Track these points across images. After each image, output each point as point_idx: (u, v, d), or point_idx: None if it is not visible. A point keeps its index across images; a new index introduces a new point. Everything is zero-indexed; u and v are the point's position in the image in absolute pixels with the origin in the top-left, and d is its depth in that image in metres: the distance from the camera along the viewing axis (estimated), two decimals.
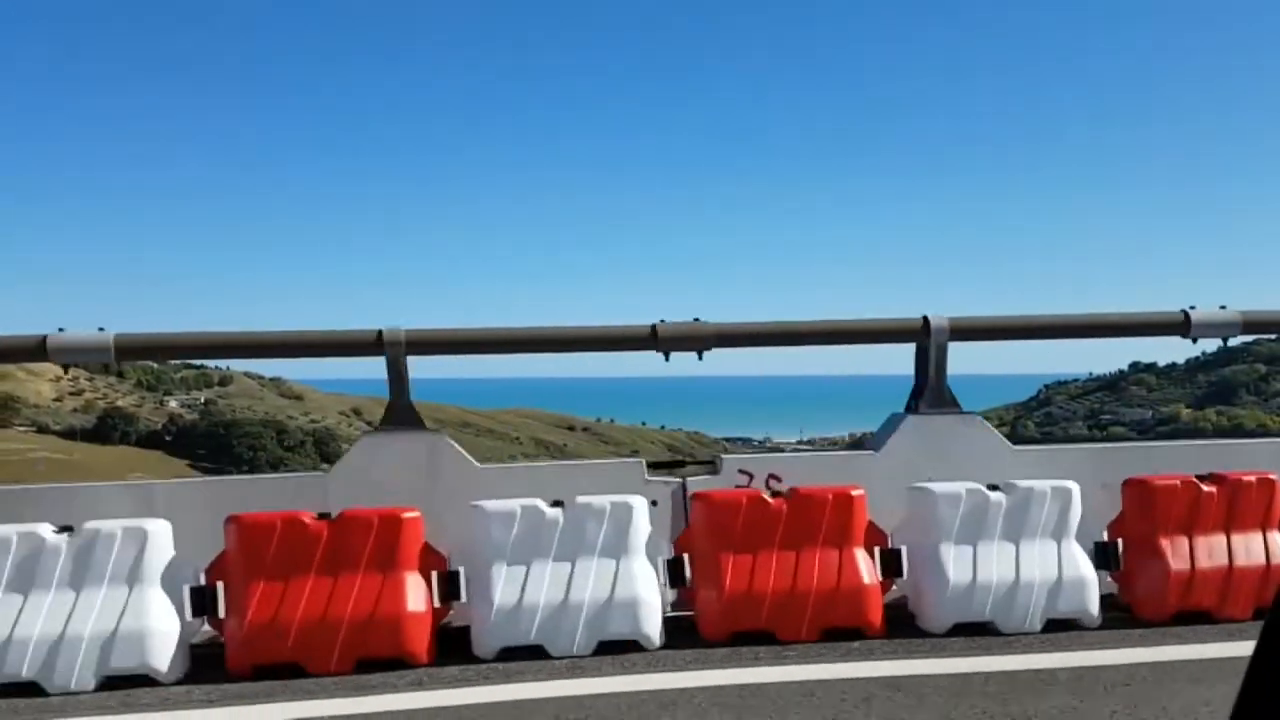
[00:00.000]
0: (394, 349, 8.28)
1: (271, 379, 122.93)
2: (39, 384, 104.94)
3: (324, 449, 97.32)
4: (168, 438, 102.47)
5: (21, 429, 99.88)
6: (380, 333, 8.29)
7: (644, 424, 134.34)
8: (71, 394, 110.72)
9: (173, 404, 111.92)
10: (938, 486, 7.82)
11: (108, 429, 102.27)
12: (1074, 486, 7.81)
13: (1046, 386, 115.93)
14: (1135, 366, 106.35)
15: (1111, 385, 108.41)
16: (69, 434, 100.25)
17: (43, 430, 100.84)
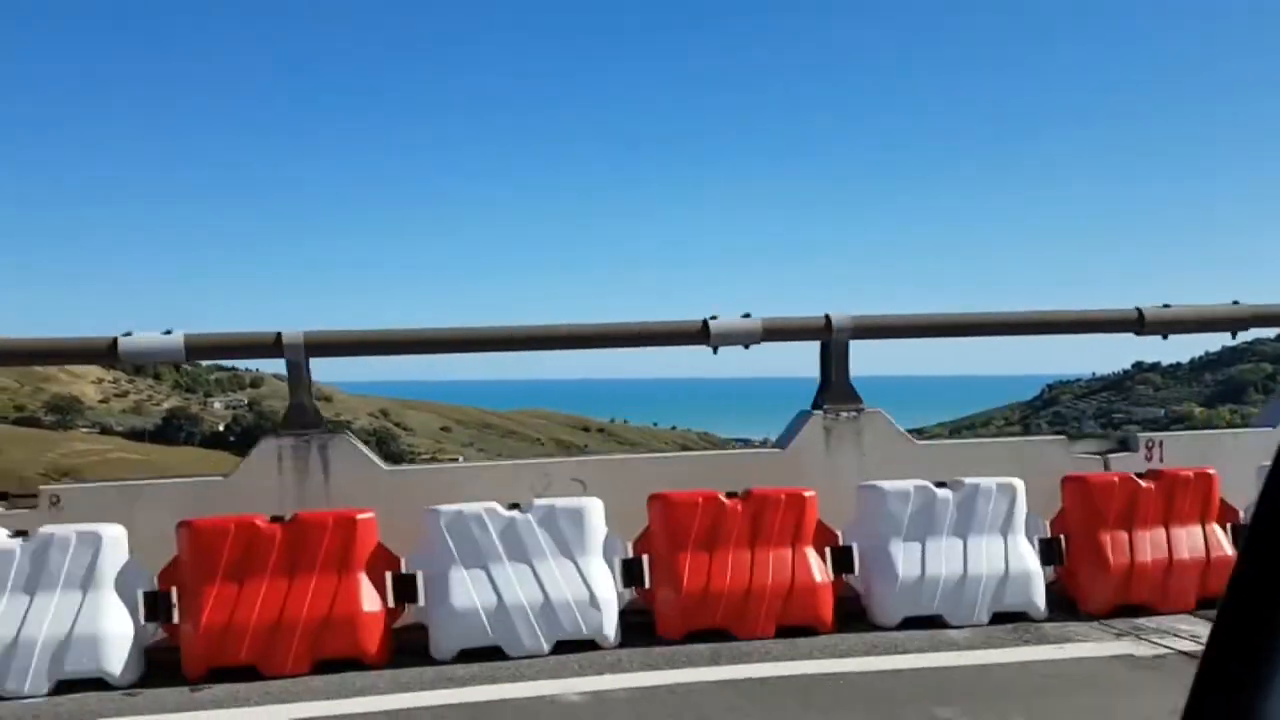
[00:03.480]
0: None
1: None
2: (83, 386, 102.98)
3: (385, 448, 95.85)
4: (231, 438, 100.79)
5: (85, 430, 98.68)
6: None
7: (655, 424, 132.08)
8: (116, 396, 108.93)
9: (217, 405, 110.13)
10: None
11: (173, 430, 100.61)
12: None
13: (1050, 386, 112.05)
14: (1139, 366, 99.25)
15: (1117, 385, 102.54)
16: (135, 435, 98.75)
17: (106, 431, 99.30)
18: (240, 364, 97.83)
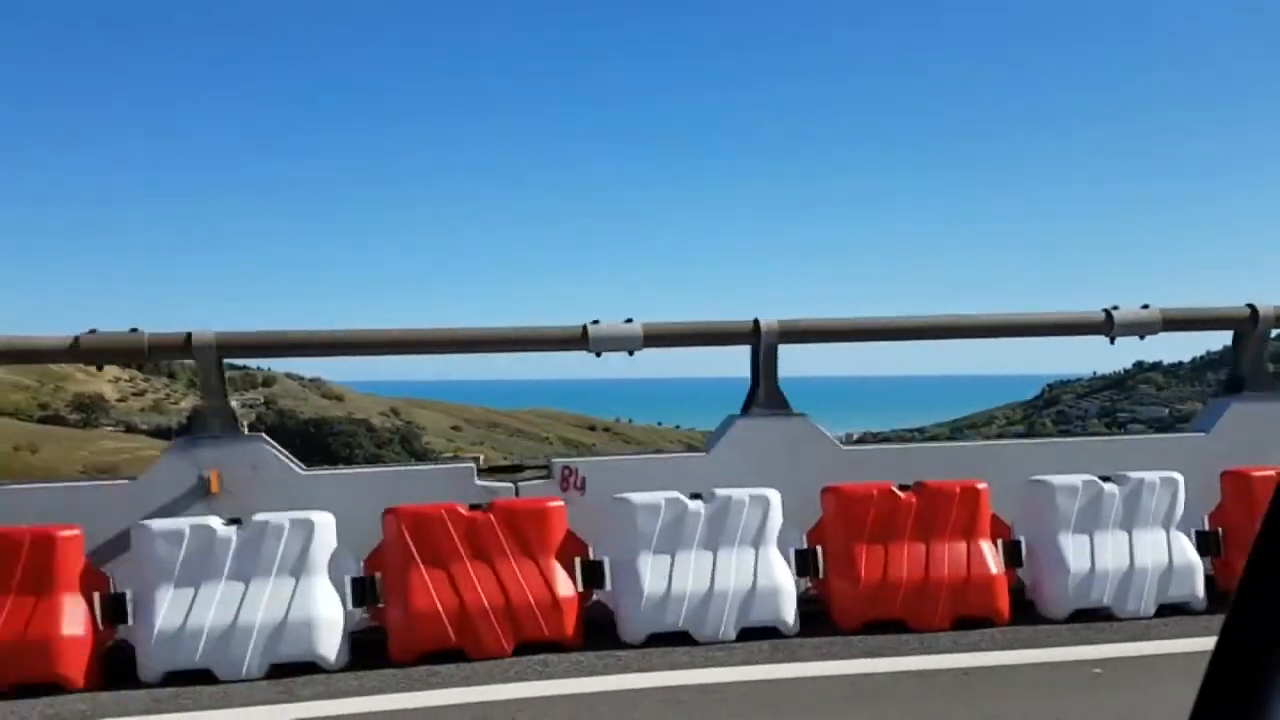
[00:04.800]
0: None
1: (312, 380, 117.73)
2: (99, 384, 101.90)
3: (409, 445, 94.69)
4: None
5: (110, 428, 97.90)
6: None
7: (659, 424, 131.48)
8: (134, 395, 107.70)
9: (233, 403, 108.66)
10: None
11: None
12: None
13: (1050, 386, 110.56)
14: (1140, 365, 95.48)
15: (1119, 384, 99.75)
16: (161, 433, 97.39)
17: (130, 430, 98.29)
18: (253, 363, 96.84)
